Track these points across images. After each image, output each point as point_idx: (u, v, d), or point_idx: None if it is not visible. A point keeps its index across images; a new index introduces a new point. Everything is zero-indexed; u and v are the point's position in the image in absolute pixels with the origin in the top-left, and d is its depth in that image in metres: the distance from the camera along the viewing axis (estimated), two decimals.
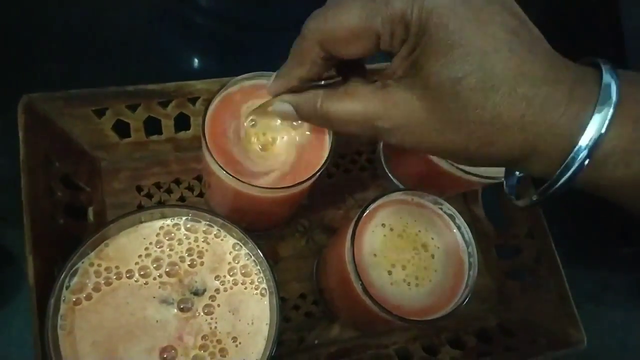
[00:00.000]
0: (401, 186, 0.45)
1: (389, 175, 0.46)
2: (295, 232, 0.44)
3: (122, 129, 0.41)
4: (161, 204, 0.42)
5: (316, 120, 0.26)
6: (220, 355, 0.28)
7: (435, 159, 0.38)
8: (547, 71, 0.20)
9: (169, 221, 0.31)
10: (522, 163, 0.22)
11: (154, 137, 0.43)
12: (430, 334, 0.42)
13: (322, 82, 0.27)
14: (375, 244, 0.34)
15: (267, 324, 0.30)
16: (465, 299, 0.33)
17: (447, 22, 0.20)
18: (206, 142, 0.32)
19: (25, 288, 0.34)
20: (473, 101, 0.20)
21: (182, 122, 0.43)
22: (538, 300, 0.44)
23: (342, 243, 0.34)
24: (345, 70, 0.26)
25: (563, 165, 0.20)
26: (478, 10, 0.20)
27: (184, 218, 0.31)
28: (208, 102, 0.33)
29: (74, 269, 0.28)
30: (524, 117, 0.20)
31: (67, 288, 0.28)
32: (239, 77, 0.34)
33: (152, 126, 0.42)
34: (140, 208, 0.41)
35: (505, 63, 0.20)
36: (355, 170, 0.47)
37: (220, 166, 0.31)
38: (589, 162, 0.20)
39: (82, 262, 0.29)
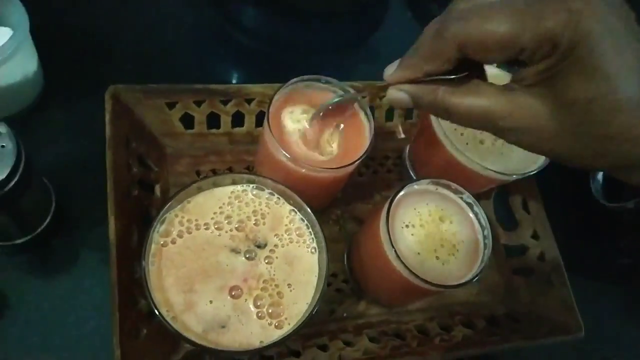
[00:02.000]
0: None
1: (414, 177, 0.52)
2: (329, 220, 0.50)
3: (187, 121, 0.48)
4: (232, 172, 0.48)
5: (435, 109, 0.28)
6: (278, 297, 0.34)
7: (459, 159, 0.44)
8: None
9: (238, 187, 0.37)
10: (625, 173, 0.25)
11: (213, 130, 0.49)
12: (445, 316, 0.48)
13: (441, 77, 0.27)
14: (405, 221, 0.40)
15: (315, 276, 0.35)
16: (481, 271, 0.38)
17: (594, 48, 0.22)
18: (269, 123, 0.39)
19: (100, 248, 0.40)
20: (601, 119, 0.23)
21: (238, 120, 0.50)
22: (541, 294, 0.50)
23: (377, 222, 0.40)
24: (465, 68, 0.27)
25: None
26: (619, 36, 0.22)
27: (251, 185, 0.37)
28: (272, 96, 0.40)
29: (163, 218, 0.34)
30: None
31: (157, 232, 0.34)
32: (296, 79, 0.41)
33: (212, 121, 0.49)
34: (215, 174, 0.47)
35: (634, 88, 0.22)
36: (383, 172, 0.54)
37: (279, 146, 0.38)
38: None
39: (169, 214, 0.35)
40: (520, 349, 0.49)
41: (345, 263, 0.48)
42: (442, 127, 0.44)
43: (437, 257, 0.39)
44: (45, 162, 0.44)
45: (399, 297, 0.45)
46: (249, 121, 0.50)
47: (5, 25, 0.47)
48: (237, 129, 0.50)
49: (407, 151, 0.54)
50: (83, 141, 0.47)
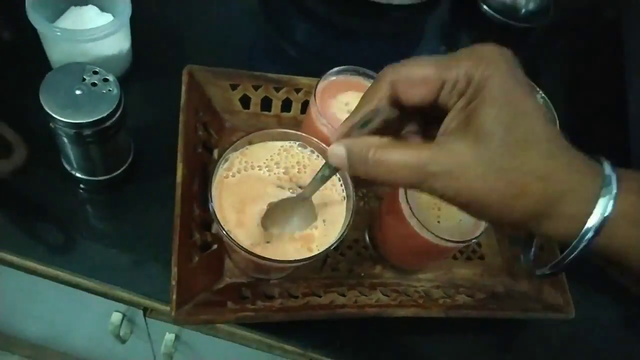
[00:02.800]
0: None
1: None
2: (356, 197, 0.57)
3: (245, 101, 0.58)
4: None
5: (365, 167, 0.28)
6: (313, 229, 0.42)
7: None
8: (567, 144, 0.25)
9: (286, 143, 0.46)
10: (544, 220, 0.25)
11: (265, 112, 0.59)
12: (449, 287, 0.54)
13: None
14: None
15: (343, 217, 0.43)
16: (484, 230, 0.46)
17: (504, 83, 0.25)
18: (315, 100, 0.48)
19: (165, 195, 0.49)
20: (518, 151, 0.24)
21: (286, 105, 0.59)
22: (539, 280, 0.56)
23: (394, 196, 0.48)
24: (400, 123, 0.30)
25: (585, 227, 0.24)
26: (522, 82, 0.26)
27: (297, 143, 0.46)
28: (318, 81, 0.50)
29: (227, 157, 0.43)
30: (556, 170, 0.24)
31: (222, 167, 0.43)
32: (334, 70, 0.51)
33: (265, 104, 0.59)
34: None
35: (543, 126, 0.25)
36: None
37: (320, 114, 0.47)
38: (607, 223, 0.23)
39: (232, 154, 0.44)
40: (515, 333, 0.55)
41: (367, 233, 0.55)
42: None
43: (446, 215, 0.47)
44: (130, 121, 0.54)
45: (411, 258, 0.52)
46: (295, 107, 0.59)
47: (107, 11, 0.58)
48: (284, 113, 0.59)
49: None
50: (159, 109, 0.57)
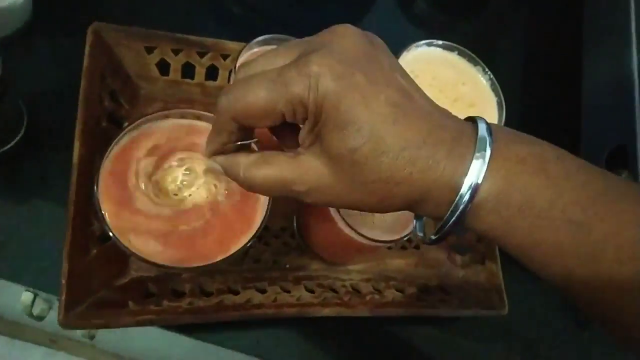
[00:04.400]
0: None
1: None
2: None
3: (163, 67, 0.51)
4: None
5: (240, 182, 0.28)
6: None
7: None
8: (427, 136, 0.24)
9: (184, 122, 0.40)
10: (419, 208, 0.26)
11: (187, 80, 0.52)
12: (381, 279, 0.51)
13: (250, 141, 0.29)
14: None
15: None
16: (406, 237, 0.42)
17: (338, 105, 0.23)
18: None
19: (63, 172, 0.42)
20: (369, 166, 0.24)
21: (211, 73, 0.52)
22: (473, 273, 0.53)
23: None
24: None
25: (450, 210, 0.24)
26: (363, 91, 0.24)
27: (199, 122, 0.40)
28: (238, 54, 0.43)
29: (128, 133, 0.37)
30: (412, 174, 0.24)
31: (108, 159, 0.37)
32: (261, 38, 0.44)
33: (187, 71, 0.52)
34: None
35: (390, 133, 0.23)
36: None
37: None
38: (470, 207, 0.24)
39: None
40: (447, 325, 0.53)
41: (295, 220, 0.51)
42: None
43: (375, 222, 0.43)
44: (24, 85, 0.46)
45: (338, 252, 0.48)
46: (223, 76, 0.53)
47: None
48: (210, 82, 0.53)
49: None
50: (62, 72, 0.49)
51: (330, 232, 0.42)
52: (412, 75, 0.27)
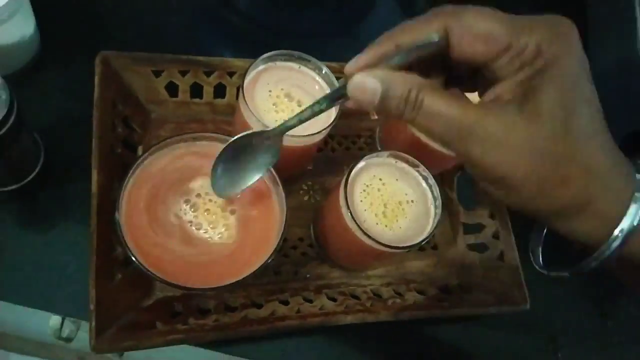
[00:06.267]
0: None
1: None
2: (300, 190, 0.53)
3: (172, 89, 0.52)
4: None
5: (403, 108, 0.25)
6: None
7: (423, 138, 0.47)
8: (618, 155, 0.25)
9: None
10: (575, 216, 0.24)
11: (196, 100, 0.53)
12: (400, 283, 0.51)
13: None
14: (363, 188, 0.43)
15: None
16: (428, 237, 0.42)
17: (572, 66, 0.23)
18: (244, 96, 0.42)
19: (83, 201, 0.43)
20: (575, 139, 0.23)
21: (219, 91, 0.53)
22: (493, 269, 0.54)
23: (338, 190, 0.43)
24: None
25: (617, 229, 0.23)
26: (586, 67, 0.24)
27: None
28: (245, 71, 0.44)
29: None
30: (603, 169, 0.24)
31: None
32: (266, 55, 0.44)
33: (196, 91, 0.53)
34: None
35: (600, 118, 0.24)
36: (355, 149, 0.57)
37: (252, 113, 0.41)
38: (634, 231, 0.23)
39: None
40: (471, 323, 0.53)
41: (312, 229, 0.51)
42: None
43: (389, 220, 0.43)
44: (38, 119, 0.48)
45: (357, 259, 0.49)
46: (230, 93, 0.53)
47: None
48: (218, 100, 0.53)
49: (377, 131, 0.57)
50: (74, 102, 0.50)
51: (347, 239, 0.43)
52: None
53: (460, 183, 0.58)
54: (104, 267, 0.41)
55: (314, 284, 0.49)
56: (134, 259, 0.35)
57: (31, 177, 0.46)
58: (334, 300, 0.48)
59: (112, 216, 0.43)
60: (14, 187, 0.45)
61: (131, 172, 0.38)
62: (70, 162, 0.48)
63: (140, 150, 0.50)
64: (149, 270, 0.35)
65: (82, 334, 0.70)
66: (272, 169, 0.39)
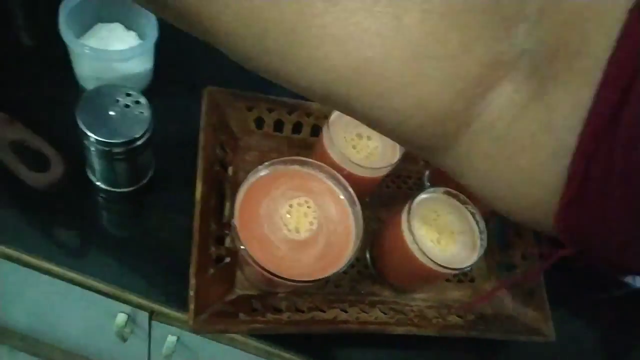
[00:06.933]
0: None
1: None
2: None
3: (259, 122, 0.61)
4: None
5: None
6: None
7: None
8: None
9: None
10: None
11: (277, 133, 0.62)
12: (441, 307, 0.58)
13: None
14: (420, 216, 0.52)
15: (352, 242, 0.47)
16: (475, 263, 0.50)
17: None
18: (328, 128, 0.52)
19: (181, 207, 0.52)
20: None
21: (297, 128, 0.63)
22: (523, 304, 0.61)
23: (398, 217, 0.52)
24: None
25: None
26: None
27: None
28: (327, 117, 0.54)
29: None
30: None
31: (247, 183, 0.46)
32: None
33: (277, 126, 0.62)
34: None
35: None
36: (405, 188, 0.66)
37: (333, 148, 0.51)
38: None
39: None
40: (500, 350, 0.60)
41: (367, 252, 0.59)
42: None
43: (442, 247, 0.51)
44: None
45: (409, 279, 0.56)
46: (305, 131, 0.63)
47: (132, 29, 0.61)
48: (294, 135, 0.63)
49: (426, 174, 0.66)
50: (178, 126, 0.60)
51: (406, 259, 0.51)
52: None
53: (498, 226, 0.66)
54: (202, 262, 0.49)
55: (368, 299, 0.56)
56: (248, 258, 0.43)
57: (142, 183, 0.55)
58: (385, 314, 0.55)
59: (209, 221, 0.52)
60: (127, 189, 0.54)
61: (243, 185, 0.47)
62: (173, 176, 0.58)
63: (230, 170, 0.59)
64: (250, 256, 0.43)
65: (133, 338, 0.77)
66: (351, 190, 0.48)
